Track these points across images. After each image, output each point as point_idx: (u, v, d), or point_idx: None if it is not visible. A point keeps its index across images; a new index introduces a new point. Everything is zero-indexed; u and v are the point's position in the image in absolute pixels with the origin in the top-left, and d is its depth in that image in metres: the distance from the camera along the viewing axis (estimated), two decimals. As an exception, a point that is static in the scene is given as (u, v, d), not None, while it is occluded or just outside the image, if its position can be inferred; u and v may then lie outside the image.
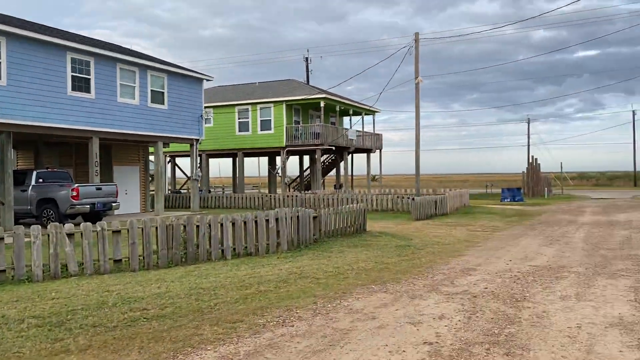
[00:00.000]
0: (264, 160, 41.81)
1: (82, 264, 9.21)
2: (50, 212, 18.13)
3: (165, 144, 24.69)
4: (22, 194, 18.35)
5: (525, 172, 42.34)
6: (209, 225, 10.62)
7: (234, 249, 10.89)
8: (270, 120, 32.74)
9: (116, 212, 20.40)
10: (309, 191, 33.21)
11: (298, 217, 11.91)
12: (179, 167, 38.89)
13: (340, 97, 34.82)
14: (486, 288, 7.59)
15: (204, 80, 25.91)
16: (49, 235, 8.98)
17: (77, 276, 8.99)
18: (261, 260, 10.32)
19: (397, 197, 24.58)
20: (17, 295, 7.45)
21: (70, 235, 9.14)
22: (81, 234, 9.25)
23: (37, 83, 17.90)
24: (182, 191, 36.80)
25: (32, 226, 8.88)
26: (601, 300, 6.71)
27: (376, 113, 38.88)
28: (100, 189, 18.96)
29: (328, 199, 25.94)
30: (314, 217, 12.61)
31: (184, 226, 10.34)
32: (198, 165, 25.91)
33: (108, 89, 20.69)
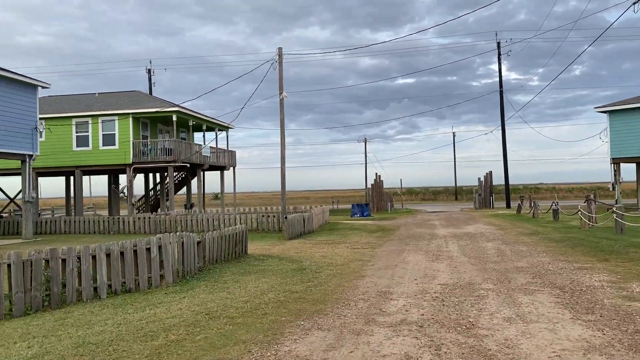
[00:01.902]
0: (98, 178, 37.84)
1: None
2: None
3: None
4: None
5: (371, 188, 44.36)
6: (78, 259, 8.64)
7: (110, 285, 9.02)
8: (114, 134, 29.64)
9: None
10: (161, 212, 30.74)
11: (183, 243, 10.38)
12: (-1, 188, 33.30)
13: (193, 111, 32.97)
14: (423, 315, 7.06)
15: (39, 88, 22.42)
16: None
17: None
18: (146, 297, 8.64)
19: (263, 215, 23.66)
20: None
21: None
22: None
23: None
24: (3, 215, 31.53)
25: None
26: (546, 321, 6.56)
27: (229, 129, 37.65)
28: None
29: (188, 220, 24.04)
30: (198, 243, 11.14)
31: (47, 261, 8.25)
32: (32, 185, 22.20)
33: None
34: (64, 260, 8.48)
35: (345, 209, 46.74)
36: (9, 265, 7.82)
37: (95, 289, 8.82)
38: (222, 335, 6.25)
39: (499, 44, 40.79)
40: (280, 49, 23.22)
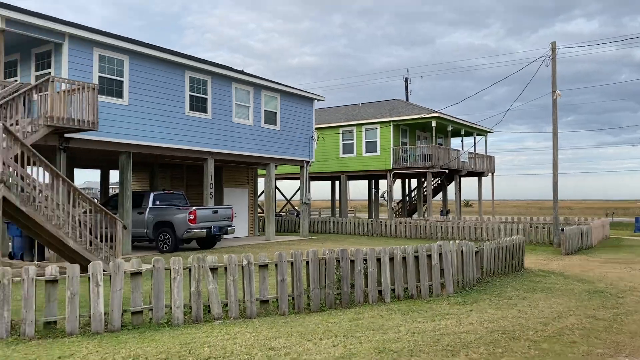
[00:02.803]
0: (355, 183, 40.11)
1: (226, 305, 7.75)
2: (166, 236, 17.33)
3: (274, 166, 23.62)
4: (139, 216, 17.73)
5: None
6: (365, 260, 8.88)
7: (393, 289, 9.06)
8: (376, 141, 31.02)
9: (224, 236, 19.32)
10: (420, 218, 30.93)
11: (462, 252, 9.90)
12: (279, 190, 38.08)
13: (451, 116, 32.51)
14: None
15: (315, 101, 24.73)
16: (190, 270, 7.60)
17: (220, 320, 7.52)
18: (430, 306, 8.39)
19: (530, 226, 21.76)
20: (163, 348, 6.01)
21: (213, 269, 7.73)
22: (225, 268, 7.82)
23: (157, 102, 17.36)
24: (281, 214, 35.82)
25: (172, 258, 7.54)
26: None
27: (488, 134, 36.07)
28: (216, 212, 17.99)
29: (447, 227, 23.59)
30: (475, 252, 10.53)
31: (338, 261, 8.66)
32: (308, 188, 24.56)
33: (224, 109, 19.91)
34: (352, 261, 8.78)
35: (622, 222, 40.54)
36: (307, 263, 8.41)
37: (380, 292, 8.94)
38: (530, 361, 5.52)
39: None
40: (553, 43, 21.10)
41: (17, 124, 12.52)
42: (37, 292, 6.72)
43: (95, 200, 12.98)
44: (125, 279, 7.33)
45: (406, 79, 48.43)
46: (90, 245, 12.66)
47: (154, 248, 18.19)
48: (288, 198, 38.83)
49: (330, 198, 40.11)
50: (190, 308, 7.49)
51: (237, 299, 7.78)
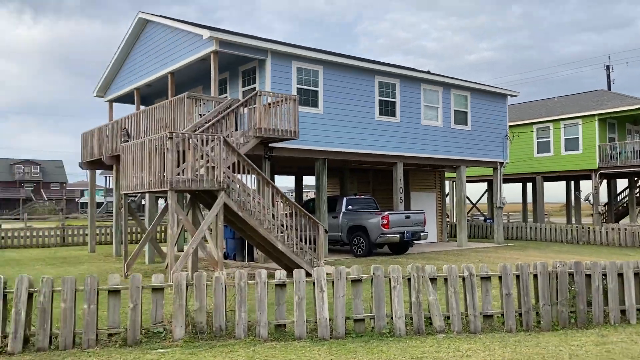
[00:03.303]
0: (548, 185, 36.52)
1: (447, 317, 7.29)
2: (360, 240, 17.53)
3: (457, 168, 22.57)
4: (333, 220, 18.22)
5: None
6: (604, 275, 7.71)
7: (639, 310, 7.73)
8: (577, 138, 27.94)
9: (415, 242, 18.86)
10: (631, 223, 27.11)
11: None
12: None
13: (672, 105, 27.87)
14: None
15: (508, 97, 23.10)
16: (409, 279, 7.31)
17: (443, 333, 7.09)
18: (694, 333, 6.93)
19: None
20: (395, 360, 5.76)
21: (432, 280, 7.34)
22: (445, 279, 7.37)
23: (348, 109, 17.69)
24: (467, 219, 34.22)
25: (391, 266, 7.33)
26: None
27: None
28: (408, 217, 17.70)
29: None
30: None
31: (570, 275, 7.65)
32: (501, 192, 22.99)
33: (412, 111, 19.59)
34: (587, 276, 7.69)
35: None
36: (535, 276, 7.57)
37: (622, 311, 7.70)
38: None
39: None
40: None
41: (230, 136, 13.67)
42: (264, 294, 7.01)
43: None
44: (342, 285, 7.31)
45: (607, 67, 43.20)
46: (296, 248, 13.24)
47: (347, 251, 18.54)
48: (473, 202, 37.12)
49: (521, 201, 37.32)
50: (411, 319, 7.19)
51: (459, 312, 7.27)
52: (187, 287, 6.88)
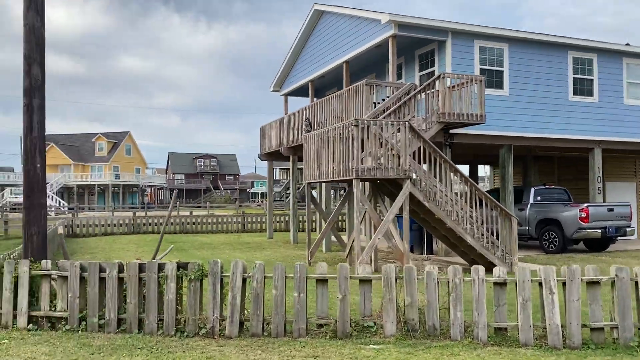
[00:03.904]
0: None
1: None
2: (552, 235, 15.79)
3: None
4: (520, 212, 16.67)
5: None
6: None
7: None
8: None
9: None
10: None
11: None
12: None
13: None
14: None
15: None
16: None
17: None
18: None
19: None
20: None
21: (693, 286, 5.95)
22: None
23: (537, 90, 16.00)
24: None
25: (637, 268, 6.10)
26: None
27: None
28: (612, 209, 15.50)
29: None
30: None
31: None
32: None
33: (612, 89, 17.13)
34: None
35: None
36: None
37: None
38: None
39: None
40: None
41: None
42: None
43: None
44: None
45: None
46: (487, 242, 12.22)
47: (535, 247, 16.89)
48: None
49: None
50: (665, 332, 5.92)
51: None
52: (395, 280, 6.42)
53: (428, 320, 6.31)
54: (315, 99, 20.33)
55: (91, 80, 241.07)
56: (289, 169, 75.90)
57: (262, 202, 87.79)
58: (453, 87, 13.58)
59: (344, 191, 15.19)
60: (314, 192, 18.05)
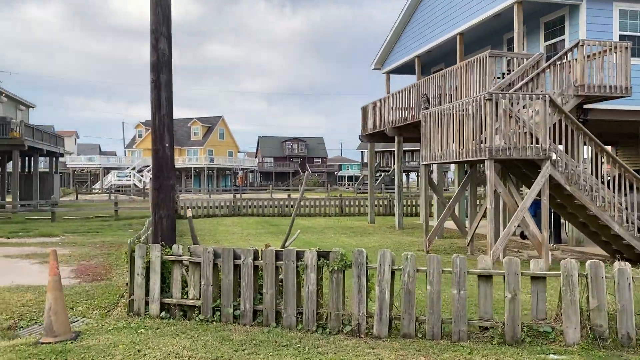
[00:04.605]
0: None
1: None
2: None
3: None
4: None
5: None
6: None
7: None
8: None
9: None
10: None
11: None
12: None
13: None
14: None
15: None
16: None
17: None
18: None
19: None
20: None
21: None
22: None
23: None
24: None
25: None
26: None
27: None
28: None
29: None
30: None
31: None
32: None
33: None
34: None
35: None
36: None
37: None
38: None
39: None
40: None
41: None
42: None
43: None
44: None
45: None
46: (638, 232, 10.67)
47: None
48: None
49: None
50: None
51: None
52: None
53: (620, 328, 5.23)
54: (421, 76, 19.15)
55: (182, 67, 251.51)
56: (382, 151, 74.10)
57: (349, 185, 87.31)
58: (589, 56, 11.98)
59: (465, 173, 13.99)
60: (422, 175, 16.97)
